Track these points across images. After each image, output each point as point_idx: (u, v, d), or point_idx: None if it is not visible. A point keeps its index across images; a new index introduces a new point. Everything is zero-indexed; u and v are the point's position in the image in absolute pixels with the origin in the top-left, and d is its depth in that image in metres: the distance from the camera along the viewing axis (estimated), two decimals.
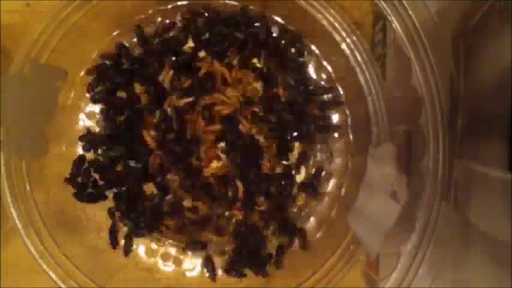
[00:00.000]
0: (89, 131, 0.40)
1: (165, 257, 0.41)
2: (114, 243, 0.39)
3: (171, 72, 0.39)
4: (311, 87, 0.40)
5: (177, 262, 0.41)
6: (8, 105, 0.35)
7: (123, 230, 0.39)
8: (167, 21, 0.40)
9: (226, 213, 0.40)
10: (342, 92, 0.40)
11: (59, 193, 0.39)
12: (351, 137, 0.40)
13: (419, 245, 0.33)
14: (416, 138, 0.34)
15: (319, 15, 0.36)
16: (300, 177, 0.41)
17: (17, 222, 0.36)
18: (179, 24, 0.40)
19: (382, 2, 0.34)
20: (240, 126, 0.39)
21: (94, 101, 0.39)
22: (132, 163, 0.39)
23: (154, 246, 0.41)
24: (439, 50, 0.33)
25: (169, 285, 0.40)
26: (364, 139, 0.36)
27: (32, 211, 0.36)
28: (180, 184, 0.39)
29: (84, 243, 0.39)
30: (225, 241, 0.41)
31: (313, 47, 0.40)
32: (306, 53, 0.40)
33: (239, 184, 0.39)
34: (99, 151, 0.39)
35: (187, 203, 0.40)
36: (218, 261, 0.40)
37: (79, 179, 0.39)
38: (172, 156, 0.38)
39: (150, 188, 0.40)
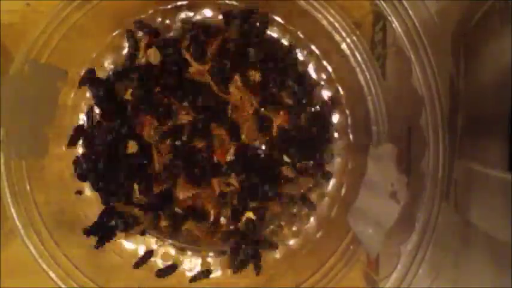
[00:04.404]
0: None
1: (165, 257, 0.41)
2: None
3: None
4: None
5: (177, 262, 0.40)
6: (8, 105, 0.35)
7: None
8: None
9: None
10: (342, 92, 0.40)
11: (59, 193, 0.39)
12: (351, 137, 0.40)
13: (419, 245, 0.33)
14: (416, 138, 0.34)
15: (319, 15, 0.36)
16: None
17: (17, 222, 0.36)
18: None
19: (382, 2, 0.34)
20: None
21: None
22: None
23: (154, 246, 0.41)
24: (439, 50, 0.33)
25: (169, 285, 0.40)
26: (364, 139, 0.36)
27: (32, 211, 0.36)
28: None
29: (85, 243, 0.39)
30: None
31: (313, 47, 0.40)
32: (306, 53, 0.40)
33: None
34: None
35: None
36: (218, 261, 0.40)
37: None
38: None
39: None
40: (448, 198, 0.33)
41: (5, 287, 0.38)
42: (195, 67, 0.38)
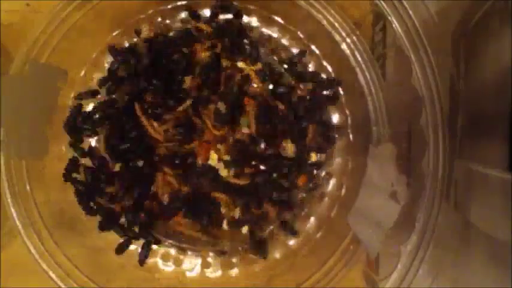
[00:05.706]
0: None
1: (165, 257, 0.41)
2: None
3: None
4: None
5: (177, 262, 0.41)
6: (8, 105, 0.35)
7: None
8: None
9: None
10: (342, 92, 0.40)
11: (59, 193, 0.39)
12: (351, 137, 0.40)
13: (419, 245, 0.33)
14: (416, 138, 0.34)
15: (319, 15, 0.36)
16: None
17: (17, 222, 0.36)
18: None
19: (382, 2, 0.34)
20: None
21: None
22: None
23: (154, 246, 0.41)
24: (439, 50, 0.33)
25: (169, 285, 0.40)
26: (364, 139, 0.36)
27: (32, 211, 0.36)
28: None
29: (84, 243, 0.39)
30: (225, 243, 0.41)
31: (313, 47, 0.40)
32: (306, 53, 0.40)
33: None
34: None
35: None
36: (218, 261, 0.40)
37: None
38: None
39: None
40: (448, 198, 0.33)
41: (5, 287, 0.38)
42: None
